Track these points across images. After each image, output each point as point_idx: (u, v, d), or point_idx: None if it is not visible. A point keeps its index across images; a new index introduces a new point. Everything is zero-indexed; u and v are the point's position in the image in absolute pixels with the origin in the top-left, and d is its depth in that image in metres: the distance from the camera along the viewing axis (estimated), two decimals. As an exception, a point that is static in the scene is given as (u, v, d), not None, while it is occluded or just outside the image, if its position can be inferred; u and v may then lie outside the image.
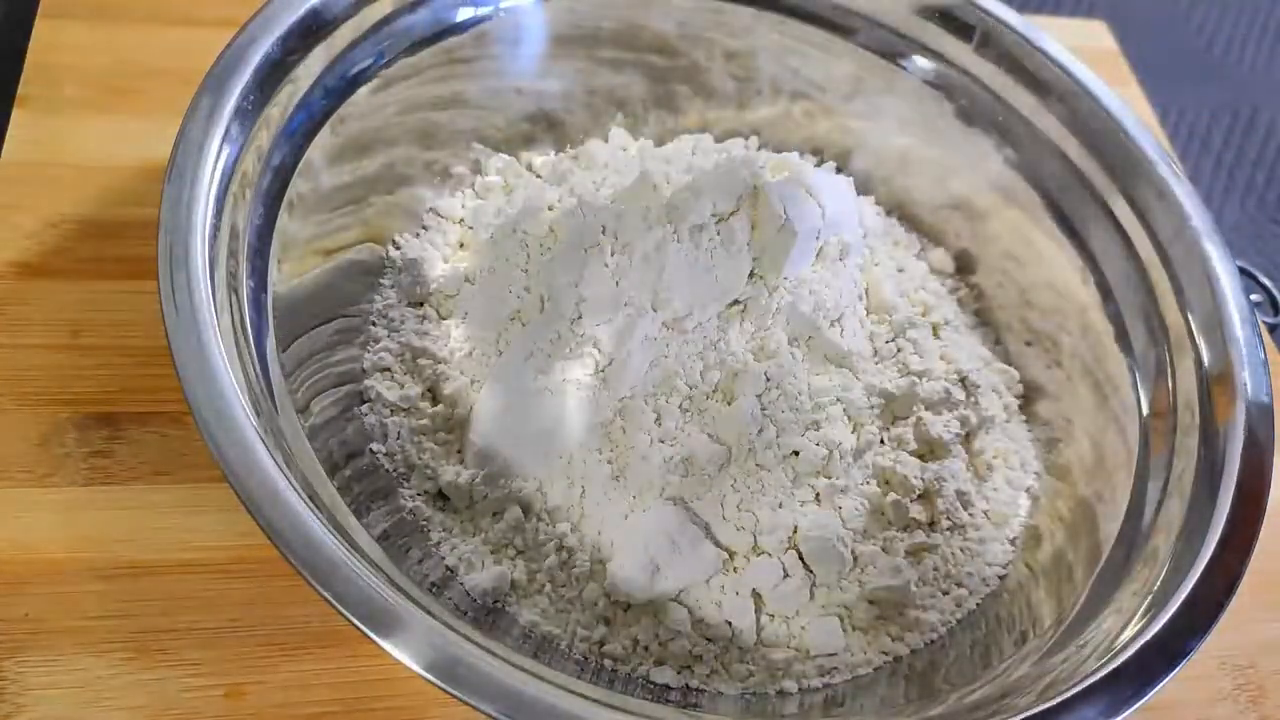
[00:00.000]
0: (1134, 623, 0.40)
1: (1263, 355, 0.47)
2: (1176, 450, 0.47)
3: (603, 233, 0.47)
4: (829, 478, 0.47)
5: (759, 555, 0.45)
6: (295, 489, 0.35)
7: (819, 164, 0.62)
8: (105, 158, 0.55)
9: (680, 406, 0.47)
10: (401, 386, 0.48)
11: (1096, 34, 0.79)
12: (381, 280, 0.51)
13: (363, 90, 0.50)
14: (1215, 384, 0.47)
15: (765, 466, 0.46)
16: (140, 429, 0.46)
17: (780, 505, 0.46)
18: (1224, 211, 0.83)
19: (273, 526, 0.34)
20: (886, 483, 0.48)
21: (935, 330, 0.53)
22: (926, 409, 0.50)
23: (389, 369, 0.48)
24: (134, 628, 0.42)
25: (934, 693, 0.43)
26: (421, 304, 0.51)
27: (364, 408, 0.47)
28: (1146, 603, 0.41)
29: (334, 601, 0.33)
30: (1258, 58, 0.96)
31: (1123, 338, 0.52)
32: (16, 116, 0.55)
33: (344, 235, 0.50)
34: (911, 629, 0.46)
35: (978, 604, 0.47)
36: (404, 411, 0.47)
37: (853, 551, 0.46)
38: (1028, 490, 0.51)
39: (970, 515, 0.48)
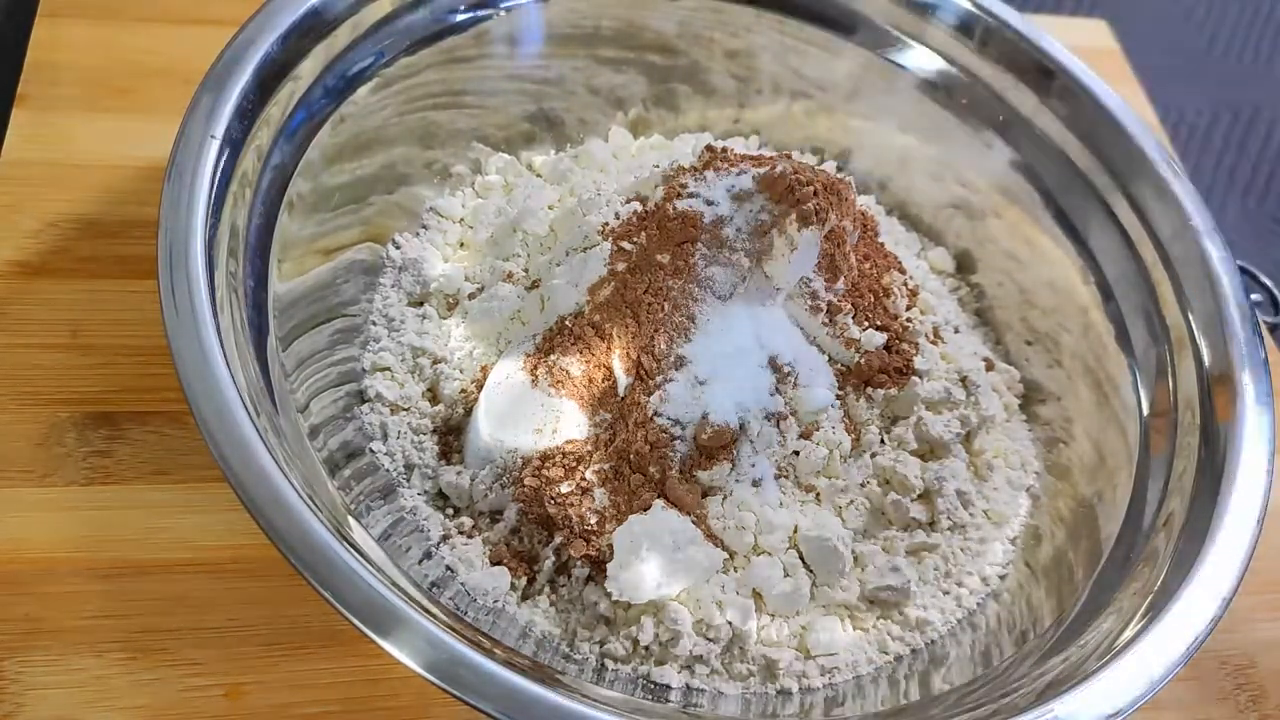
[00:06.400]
0: (1134, 623, 0.40)
1: (1263, 355, 0.47)
2: (1177, 450, 0.47)
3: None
4: (829, 478, 0.47)
5: (759, 555, 0.45)
6: (295, 489, 0.35)
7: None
8: (105, 157, 0.55)
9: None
10: (401, 386, 0.48)
11: (1097, 33, 0.79)
12: (381, 280, 0.51)
13: (362, 90, 0.50)
14: (1216, 383, 0.47)
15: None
16: (140, 429, 0.46)
17: (780, 505, 0.46)
18: (1224, 211, 0.83)
19: (273, 526, 0.34)
20: (886, 483, 0.48)
21: (935, 330, 0.53)
22: (926, 409, 0.49)
23: (389, 369, 0.48)
24: (134, 628, 0.42)
25: (934, 693, 0.43)
26: (421, 304, 0.51)
27: (364, 407, 0.47)
28: (1146, 603, 0.41)
29: (334, 601, 0.33)
30: (1258, 58, 0.96)
31: (1123, 337, 0.52)
32: (16, 116, 0.55)
33: (344, 235, 0.50)
34: (911, 629, 0.46)
35: (978, 604, 0.47)
36: (404, 411, 0.47)
37: (853, 551, 0.46)
38: (1028, 490, 0.51)
39: (970, 515, 0.48)
